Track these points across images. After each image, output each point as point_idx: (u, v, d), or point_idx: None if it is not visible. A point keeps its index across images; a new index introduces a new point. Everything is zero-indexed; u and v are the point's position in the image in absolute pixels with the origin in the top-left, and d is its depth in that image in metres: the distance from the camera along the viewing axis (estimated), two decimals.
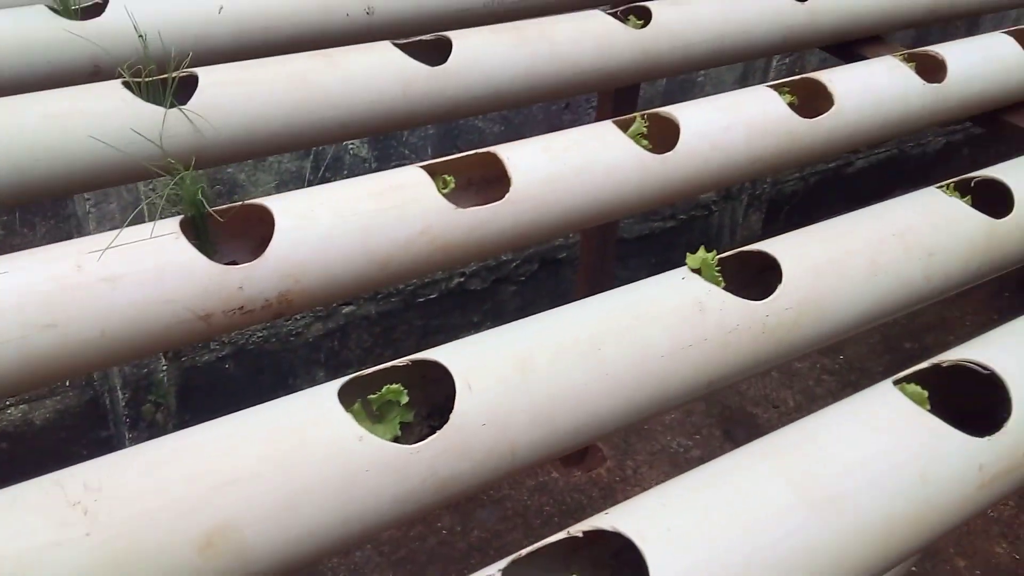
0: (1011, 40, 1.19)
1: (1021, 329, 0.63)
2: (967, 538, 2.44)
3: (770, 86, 1.01)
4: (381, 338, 2.68)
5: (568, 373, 0.59)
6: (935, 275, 0.77)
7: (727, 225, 3.41)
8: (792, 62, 2.93)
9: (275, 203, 0.69)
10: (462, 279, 2.80)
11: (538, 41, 1.06)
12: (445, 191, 0.81)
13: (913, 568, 2.39)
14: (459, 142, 2.51)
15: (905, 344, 3.07)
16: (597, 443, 2.67)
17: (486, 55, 1.01)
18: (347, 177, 2.53)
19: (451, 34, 1.02)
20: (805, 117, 1.00)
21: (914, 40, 3.21)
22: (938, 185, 0.84)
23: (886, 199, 0.84)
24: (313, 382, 2.80)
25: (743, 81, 2.93)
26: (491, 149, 0.83)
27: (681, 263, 0.73)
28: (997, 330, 0.63)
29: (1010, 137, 1.22)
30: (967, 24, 3.26)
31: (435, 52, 1.03)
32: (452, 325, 2.80)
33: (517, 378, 0.57)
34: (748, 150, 0.95)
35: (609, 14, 1.14)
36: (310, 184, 2.27)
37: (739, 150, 0.94)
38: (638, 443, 2.68)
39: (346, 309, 2.60)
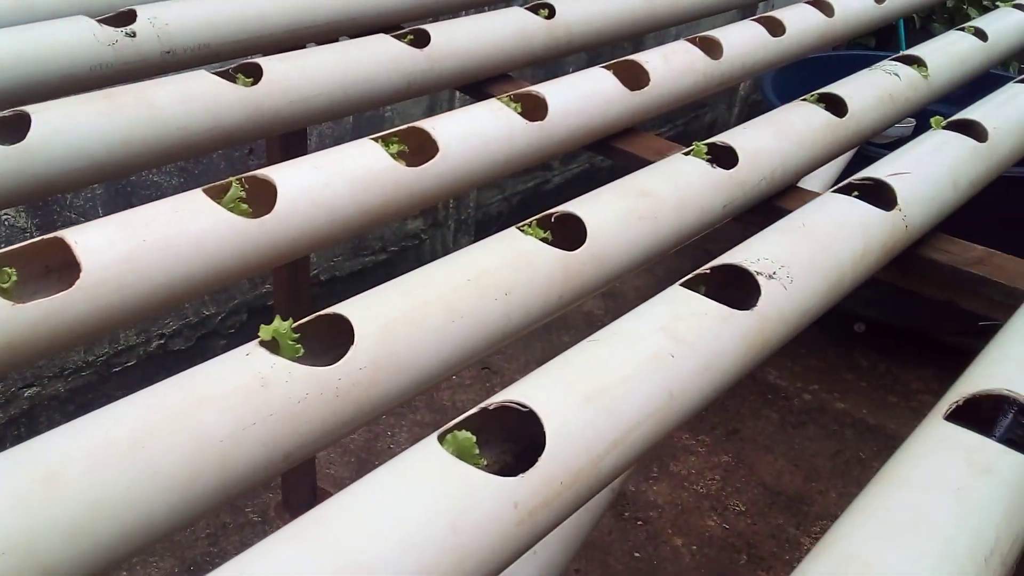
0: (608, 74, 1.29)
1: (562, 364, 0.67)
2: (682, 517, 2.63)
3: (375, 138, 1.04)
4: (76, 416, 2.48)
5: (106, 479, 0.56)
6: (515, 312, 0.81)
7: (440, 251, 3.48)
8: None
9: None
10: (162, 340, 2.64)
11: (135, 107, 1.02)
12: (6, 285, 0.75)
13: (636, 553, 2.54)
14: (134, 200, 2.38)
15: None
16: (326, 488, 2.61)
17: (72, 127, 0.96)
18: None
19: (29, 108, 0.96)
20: (413, 165, 1.04)
21: (586, 62, 3.45)
22: (519, 225, 0.90)
23: None
24: None
25: (431, 111, 3.01)
26: (58, 234, 0.78)
27: None
28: (544, 367, 0.68)
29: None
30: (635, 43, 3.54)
31: (17, 127, 0.96)
32: None
33: (43, 495, 0.54)
34: (354, 204, 0.96)
35: (216, 74, 1.12)
36: None
37: (343, 205, 0.95)
38: None
39: (29, 391, 2.38)
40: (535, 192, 3.76)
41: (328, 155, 0.99)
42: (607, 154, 1.35)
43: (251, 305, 2.82)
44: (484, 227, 3.54)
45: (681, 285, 0.79)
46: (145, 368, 2.60)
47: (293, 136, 1.83)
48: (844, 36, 1.73)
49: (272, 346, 0.70)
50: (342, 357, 0.71)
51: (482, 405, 0.63)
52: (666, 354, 0.70)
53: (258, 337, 0.70)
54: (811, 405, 3.05)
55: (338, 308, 0.73)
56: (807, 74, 2.58)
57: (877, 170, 1.02)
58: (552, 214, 0.92)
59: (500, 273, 0.81)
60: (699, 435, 2.89)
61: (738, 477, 2.73)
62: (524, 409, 0.62)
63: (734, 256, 0.83)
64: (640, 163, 1.30)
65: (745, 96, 4.66)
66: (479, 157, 1.09)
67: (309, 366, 0.68)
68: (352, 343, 0.71)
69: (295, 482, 2.33)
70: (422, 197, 1.03)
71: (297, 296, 2.10)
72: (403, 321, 0.73)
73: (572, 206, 0.93)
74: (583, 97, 1.24)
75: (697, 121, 4.59)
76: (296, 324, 0.72)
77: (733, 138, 1.12)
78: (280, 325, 0.71)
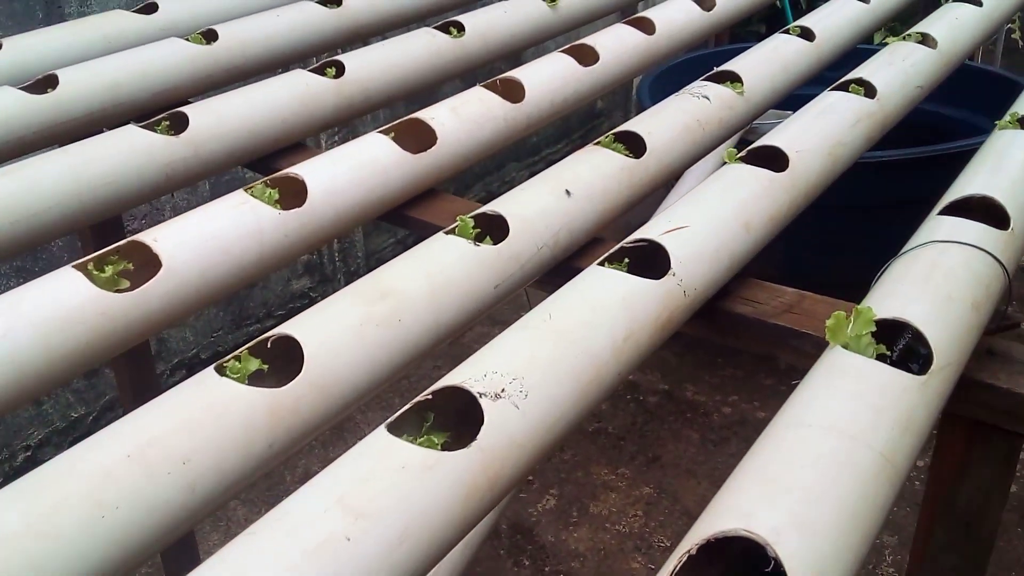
0: (385, 139, 1.16)
1: (234, 556, 0.54)
2: (605, 563, 2.50)
3: (81, 263, 0.89)
4: None
5: None
6: (202, 481, 0.67)
7: None
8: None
9: None
10: (28, 452, 2.46)
11: None
12: None
13: None
14: None
15: None
16: None
17: None
18: None
19: None
20: (135, 287, 0.89)
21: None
22: (222, 360, 0.76)
23: None
24: None
25: None
26: None
27: None
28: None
29: None
30: None
31: None
32: None
33: None
34: (46, 351, 0.82)
35: None
36: None
37: (31, 355, 0.81)
38: None
39: None
40: None
41: (12, 296, 0.84)
42: (400, 224, 1.22)
43: None
44: None
45: (387, 427, 0.66)
46: None
47: (108, 224, 1.67)
48: (670, 51, 1.62)
49: None
50: None
51: None
52: (340, 537, 0.56)
53: None
54: (732, 419, 2.94)
55: None
56: (687, 75, 2.46)
57: (652, 228, 0.90)
58: (267, 339, 0.79)
59: (175, 436, 0.67)
60: (618, 468, 2.77)
61: (661, 509, 2.61)
62: None
63: (459, 374, 0.70)
64: (435, 231, 1.17)
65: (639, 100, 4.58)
66: (216, 265, 0.95)
67: None
68: None
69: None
70: (142, 325, 0.89)
71: (144, 389, 1.93)
72: (28, 535, 0.59)
73: (291, 325, 0.79)
74: (353, 170, 1.11)
75: (595, 132, 4.50)
76: None
77: (506, 204, 0.99)
78: None
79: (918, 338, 0.74)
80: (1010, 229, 0.89)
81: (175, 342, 2.77)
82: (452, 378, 0.69)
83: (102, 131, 1.25)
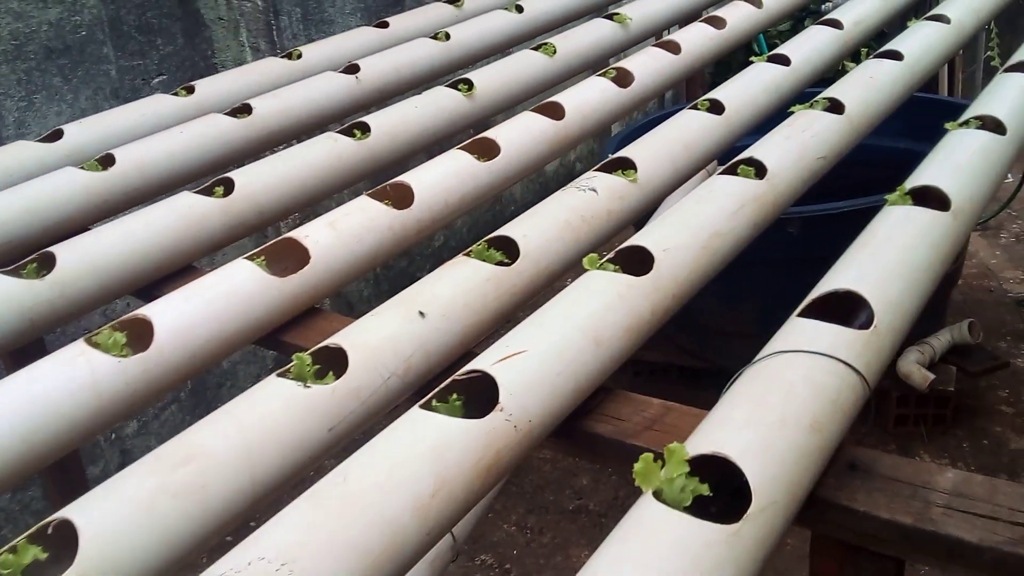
0: (250, 265, 1.12)
1: None
2: None
3: None
4: None
5: None
6: None
7: None
8: None
9: None
10: None
11: None
12: None
13: None
14: None
15: None
16: None
17: None
18: None
19: None
20: None
21: None
22: None
23: None
24: None
25: None
26: None
27: None
28: None
29: None
30: None
31: None
32: None
33: None
34: None
35: None
36: None
37: None
38: None
39: None
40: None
41: None
42: (275, 349, 1.17)
43: None
44: None
45: None
46: None
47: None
48: (583, 134, 1.57)
49: None
50: None
51: None
52: None
53: None
54: None
55: None
56: None
57: (488, 356, 0.83)
58: (48, 524, 0.73)
59: None
60: None
61: None
62: None
63: (224, 563, 0.63)
64: None
65: None
66: (44, 428, 0.89)
67: None
68: None
69: None
70: None
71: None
72: None
73: (72, 508, 0.73)
74: (209, 304, 1.06)
75: None
76: None
77: (350, 335, 0.93)
78: None
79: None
80: (873, 327, 0.81)
81: (139, 451, 2.72)
82: (216, 569, 0.63)
83: None
